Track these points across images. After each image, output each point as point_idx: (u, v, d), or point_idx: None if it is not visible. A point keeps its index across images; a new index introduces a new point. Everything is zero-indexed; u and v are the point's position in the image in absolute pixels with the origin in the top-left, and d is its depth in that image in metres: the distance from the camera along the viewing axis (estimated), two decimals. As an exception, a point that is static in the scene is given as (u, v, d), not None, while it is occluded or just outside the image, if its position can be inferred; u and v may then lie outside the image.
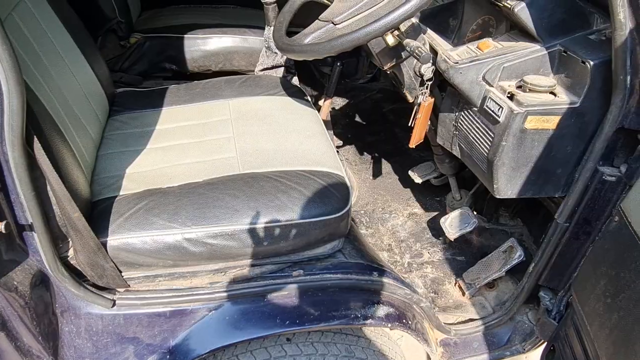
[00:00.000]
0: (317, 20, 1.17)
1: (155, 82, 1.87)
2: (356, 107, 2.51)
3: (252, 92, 1.46)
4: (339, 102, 2.51)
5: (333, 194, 1.11)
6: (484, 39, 1.17)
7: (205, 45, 1.76)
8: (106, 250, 0.98)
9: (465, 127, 1.22)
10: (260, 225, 1.02)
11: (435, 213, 1.82)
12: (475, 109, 1.16)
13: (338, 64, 1.70)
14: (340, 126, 2.34)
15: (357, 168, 2.09)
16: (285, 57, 1.65)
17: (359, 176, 2.04)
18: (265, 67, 1.65)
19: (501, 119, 1.06)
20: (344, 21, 1.11)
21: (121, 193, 1.09)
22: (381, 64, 1.21)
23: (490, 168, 1.13)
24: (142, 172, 1.17)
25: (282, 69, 1.66)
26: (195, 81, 1.52)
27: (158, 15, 1.97)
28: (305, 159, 1.20)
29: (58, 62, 1.13)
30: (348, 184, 1.17)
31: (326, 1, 1.27)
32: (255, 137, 1.27)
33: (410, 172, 1.79)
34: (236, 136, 1.28)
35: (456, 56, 1.14)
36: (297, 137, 1.28)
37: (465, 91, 1.13)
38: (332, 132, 1.86)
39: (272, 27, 1.59)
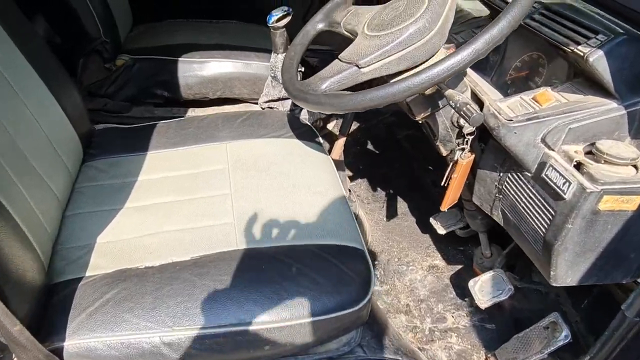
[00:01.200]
0: (336, 60, 0.95)
1: (145, 109, 1.65)
2: (368, 132, 2.29)
3: (254, 133, 1.24)
4: (349, 126, 2.29)
5: (352, 280, 0.89)
6: (542, 89, 0.95)
7: (202, 70, 1.54)
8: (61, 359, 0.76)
9: (513, 193, 1.00)
10: (261, 327, 0.81)
11: (459, 266, 1.61)
12: (529, 174, 0.94)
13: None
14: (351, 155, 2.11)
15: (369, 207, 1.87)
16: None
17: (371, 217, 1.82)
18: (270, 98, 1.43)
19: (567, 196, 0.84)
20: (371, 64, 0.89)
21: (88, 274, 0.88)
22: (412, 114, 0.99)
23: (547, 252, 0.91)
24: (116, 243, 0.95)
25: (290, 101, 1.44)
26: (189, 117, 1.31)
27: (151, 32, 1.75)
28: (317, 228, 0.98)
29: (14, 107, 0.91)
30: (369, 261, 0.95)
31: (346, 33, 1.06)
32: (256, 193, 1.06)
33: (431, 220, 1.57)
34: (234, 192, 1.06)
35: (509, 110, 0.92)
36: (306, 195, 1.06)
37: (519, 154, 0.92)
38: (345, 173, 1.64)
39: (278, 55, 1.37)
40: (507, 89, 1.13)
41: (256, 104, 1.67)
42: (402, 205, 1.87)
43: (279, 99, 1.43)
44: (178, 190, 1.07)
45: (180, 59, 1.53)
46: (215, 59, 1.54)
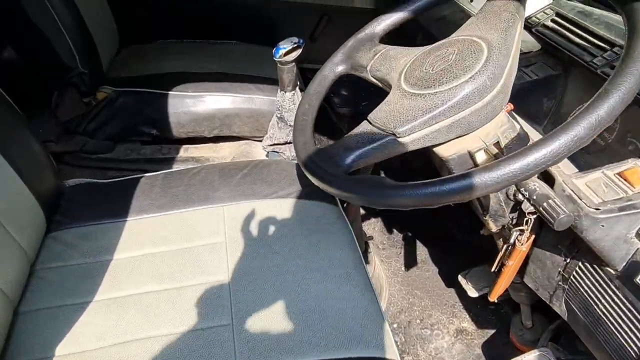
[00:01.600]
0: (365, 123, 0.73)
1: (130, 147, 1.43)
2: (379, 162, 2.06)
3: (257, 192, 1.02)
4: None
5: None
6: (631, 163, 0.74)
7: (196, 105, 1.32)
8: None
9: (586, 289, 0.79)
10: None
11: (492, 331, 1.40)
12: (613, 272, 0.73)
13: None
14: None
15: (385, 253, 1.66)
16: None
17: (388, 266, 1.61)
18: (275, 142, 1.22)
19: (676, 316, 0.63)
20: (413, 133, 0.68)
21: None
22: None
23: (642, 379, 0.70)
24: (80, 356, 0.73)
25: (299, 146, 1.22)
26: (179, 171, 1.09)
27: (139, 56, 1.53)
28: (336, 330, 0.77)
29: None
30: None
31: (375, 81, 0.84)
32: (261, 282, 0.85)
33: (460, 279, 1.35)
34: (232, 280, 0.85)
35: (590, 193, 0.70)
36: (323, 281, 0.85)
37: (604, 250, 0.70)
38: (359, 223, 1.42)
39: (286, 93, 1.15)
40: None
41: (259, 140, 1.46)
42: (422, 252, 1.66)
43: (285, 143, 1.22)
44: (162, 276, 0.86)
45: (171, 92, 1.31)
46: (212, 93, 1.32)
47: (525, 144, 0.75)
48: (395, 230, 1.73)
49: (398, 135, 0.68)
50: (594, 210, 0.68)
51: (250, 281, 0.84)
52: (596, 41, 0.85)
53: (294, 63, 1.11)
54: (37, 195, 0.91)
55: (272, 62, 1.30)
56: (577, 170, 0.84)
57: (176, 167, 1.41)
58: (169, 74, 1.40)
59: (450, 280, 1.54)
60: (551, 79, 0.98)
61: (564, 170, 0.78)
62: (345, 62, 0.91)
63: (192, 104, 1.31)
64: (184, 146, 1.45)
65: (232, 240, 0.93)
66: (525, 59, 1.08)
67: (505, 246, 0.85)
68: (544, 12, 0.98)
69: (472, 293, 1.33)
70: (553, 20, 0.95)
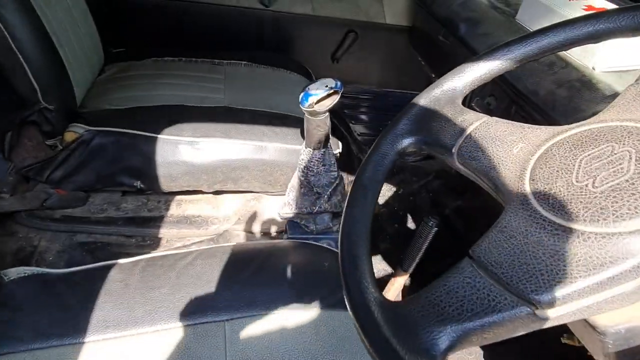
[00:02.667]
0: (465, 262, 0.44)
1: (108, 200, 1.13)
2: (404, 200, 1.77)
3: (273, 299, 0.73)
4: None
5: None
6: None
7: (193, 154, 1.01)
8: None
9: None
10: None
11: None
12: None
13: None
14: (385, 236, 1.60)
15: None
16: (336, 198, 0.92)
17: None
18: (297, 211, 0.92)
19: None
20: (565, 303, 0.38)
21: None
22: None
23: None
24: None
25: (327, 217, 0.93)
26: (164, 255, 0.79)
27: (125, 79, 1.21)
28: None
29: None
30: None
31: (468, 172, 0.55)
32: None
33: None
34: None
35: None
36: None
37: None
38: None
39: (313, 151, 0.86)
40: None
41: (271, 194, 1.16)
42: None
43: (309, 213, 0.92)
44: None
45: (161, 135, 1.01)
46: (213, 138, 1.02)
47: None
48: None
49: (538, 307, 0.38)
50: None
51: None
52: None
53: (327, 114, 0.82)
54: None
55: (290, 94, 1.01)
56: None
57: (165, 231, 1.11)
58: (160, 107, 1.09)
59: None
60: None
61: None
62: (416, 133, 0.61)
63: (188, 152, 1.01)
64: (176, 199, 1.15)
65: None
66: None
67: None
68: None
69: None
70: None
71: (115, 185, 1.05)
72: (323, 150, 0.86)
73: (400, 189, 1.79)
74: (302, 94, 0.79)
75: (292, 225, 0.94)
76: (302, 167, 0.88)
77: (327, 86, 0.78)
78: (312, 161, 0.86)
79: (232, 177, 1.03)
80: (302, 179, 0.89)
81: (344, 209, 0.56)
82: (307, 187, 0.89)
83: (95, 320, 0.69)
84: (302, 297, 0.73)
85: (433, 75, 1.46)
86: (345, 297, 0.48)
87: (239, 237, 1.11)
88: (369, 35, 1.64)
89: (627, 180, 0.40)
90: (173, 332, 0.68)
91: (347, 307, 0.47)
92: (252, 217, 1.09)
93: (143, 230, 1.09)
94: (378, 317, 0.44)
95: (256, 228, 1.08)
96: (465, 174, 0.55)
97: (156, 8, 1.51)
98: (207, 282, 0.74)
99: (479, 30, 1.14)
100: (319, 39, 1.66)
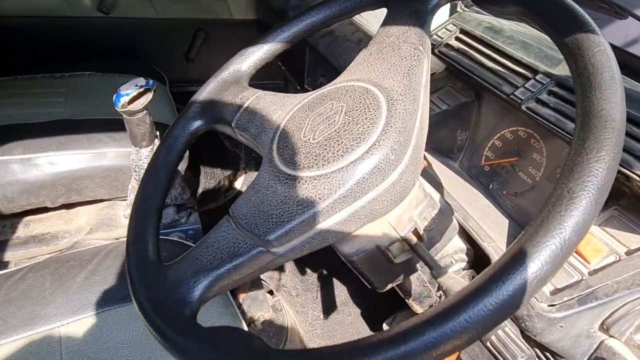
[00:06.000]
0: (225, 219, 0.50)
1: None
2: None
3: (108, 298, 0.75)
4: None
5: None
6: (592, 242, 0.57)
7: (27, 172, 0.99)
8: None
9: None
10: None
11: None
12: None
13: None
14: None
15: (299, 300, 1.44)
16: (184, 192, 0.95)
17: (304, 316, 1.40)
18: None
19: None
20: (289, 241, 0.46)
21: None
22: (374, 286, 0.57)
23: None
24: None
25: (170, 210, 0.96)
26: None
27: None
28: None
29: None
30: None
31: (245, 142, 0.61)
32: None
33: (385, 327, 1.18)
34: None
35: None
36: None
37: (562, 350, 0.54)
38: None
39: (140, 150, 0.88)
40: (485, 181, 0.77)
41: (125, 199, 1.16)
42: (341, 293, 1.47)
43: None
44: None
45: (-12, 157, 0.98)
46: (47, 153, 1.00)
47: (449, 221, 0.56)
48: (308, 271, 1.52)
49: (270, 246, 0.45)
50: (548, 307, 0.50)
51: None
52: (513, 66, 0.69)
53: (145, 112, 0.84)
54: None
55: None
56: (505, 219, 0.67)
57: (11, 254, 1.07)
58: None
59: (375, 324, 1.36)
60: (464, 108, 0.82)
61: (490, 233, 0.60)
62: (203, 115, 0.66)
63: (21, 170, 0.98)
64: (24, 220, 1.12)
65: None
66: (431, 83, 0.91)
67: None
68: (446, 29, 0.80)
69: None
70: (458, 39, 0.78)
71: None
72: (150, 146, 0.88)
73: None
74: (115, 96, 0.81)
75: (139, 225, 0.96)
76: (134, 166, 0.90)
77: (137, 85, 0.81)
78: (141, 159, 0.89)
79: (75, 188, 1.03)
80: (137, 178, 0.92)
81: (137, 188, 0.60)
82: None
83: None
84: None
85: (280, 64, 1.54)
86: (128, 277, 0.51)
87: (89, 247, 1.10)
88: (218, 32, 1.67)
89: (335, 131, 0.48)
90: (4, 348, 0.68)
91: (129, 287, 0.51)
92: (105, 225, 1.09)
93: (-15, 256, 1.05)
94: (149, 278, 0.48)
95: (108, 234, 1.08)
96: (245, 143, 0.61)
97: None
98: (39, 293, 0.75)
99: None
100: (169, 41, 1.66)
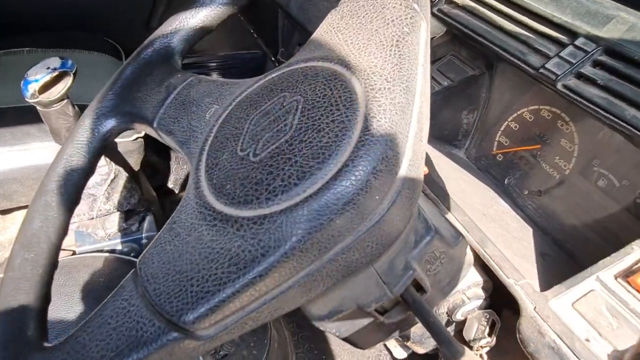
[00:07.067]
0: (130, 278, 0.33)
1: None
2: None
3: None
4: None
5: None
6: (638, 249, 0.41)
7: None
8: None
9: None
10: None
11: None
12: None
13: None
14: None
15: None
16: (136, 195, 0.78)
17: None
18: (77, 220, 0.77)
19: None
20: (219, 321, 0.29)
21: None
22: (359, 347, 0.41)
23: None
24: None
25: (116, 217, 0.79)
26: None
27: None
28: None
29: None
30: None
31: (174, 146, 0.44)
32: None
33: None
34: None
35: (594, 338, 0.37)
36: None
37: None
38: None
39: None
40: (498, 174, 0.61)
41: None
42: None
43: (91, 219, 0.78)
44: None
45: None
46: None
47: (462, 256, 0.40)
48: None
49: (190, 329, 0.29)
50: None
51: None
52: (542, 27, 0.50)
53: (66, 100, 0.66)
54: None
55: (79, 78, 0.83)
56: (529, 227, 0.51)
57: None
58: None
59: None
60: (470, 83, 0.64)
61: (514, 259, 0.43)
62: (116, 111, 0.48)
63: None
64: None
65: None
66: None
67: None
68: (447, -21, 0.61)
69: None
70: (463, -8, 0.60)
71: None
72: (78, 144, 0.71)
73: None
74: (22, 83, 0.63)
75: (79, 236, 0.80)
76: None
77: (49, 68, 0.63)
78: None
79: (2, 193, 0.85)
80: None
81: (20, 228, 0.43)
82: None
83: None
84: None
85: (251, 31, 1.34)
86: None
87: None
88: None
89: (286, 142, 0.31)
90: None
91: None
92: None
93: None
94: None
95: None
96: (169, 145, 0.44)
97: None
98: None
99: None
100: (126, 7, 1.44)
